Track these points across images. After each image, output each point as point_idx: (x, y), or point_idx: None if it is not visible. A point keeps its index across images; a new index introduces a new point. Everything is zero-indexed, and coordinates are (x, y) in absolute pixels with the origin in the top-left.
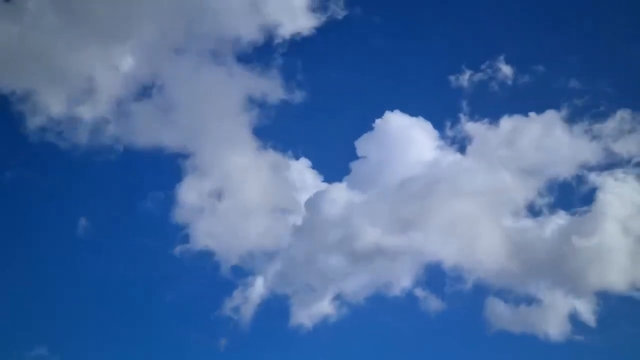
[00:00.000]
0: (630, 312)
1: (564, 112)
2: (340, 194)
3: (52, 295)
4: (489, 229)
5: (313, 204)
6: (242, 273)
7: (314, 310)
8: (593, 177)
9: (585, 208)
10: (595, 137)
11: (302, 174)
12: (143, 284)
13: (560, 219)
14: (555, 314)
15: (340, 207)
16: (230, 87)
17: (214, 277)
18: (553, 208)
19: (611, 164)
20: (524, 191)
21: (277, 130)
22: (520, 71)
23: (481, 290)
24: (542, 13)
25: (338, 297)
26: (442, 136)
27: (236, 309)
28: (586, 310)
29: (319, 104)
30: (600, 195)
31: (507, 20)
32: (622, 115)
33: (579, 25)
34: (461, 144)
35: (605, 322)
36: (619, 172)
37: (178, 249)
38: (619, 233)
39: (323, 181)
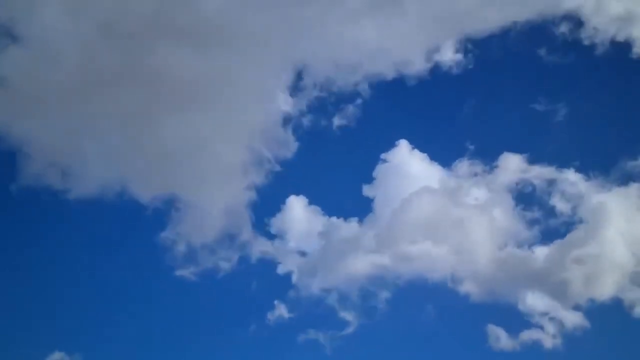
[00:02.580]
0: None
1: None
2: (345, 226)
3: (69, 299)
4: (486, 254)
5: (325, 235)
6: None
7: (325, 331)
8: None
9: (576, 226)
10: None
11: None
12: (162, 290)
13: (553, 243)
14: (548, 327)
15: (346, 236)
16: None
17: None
18: (546, 235)
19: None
20: (519, 222)
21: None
22: (519, 111)
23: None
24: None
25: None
26: (445, 171)
27: (254, 330)
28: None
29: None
30: (592, 211)
31: None
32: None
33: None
34: (462, 179)
35: (599, 331)
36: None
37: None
38: (611, 246)
39: (328, 216)
